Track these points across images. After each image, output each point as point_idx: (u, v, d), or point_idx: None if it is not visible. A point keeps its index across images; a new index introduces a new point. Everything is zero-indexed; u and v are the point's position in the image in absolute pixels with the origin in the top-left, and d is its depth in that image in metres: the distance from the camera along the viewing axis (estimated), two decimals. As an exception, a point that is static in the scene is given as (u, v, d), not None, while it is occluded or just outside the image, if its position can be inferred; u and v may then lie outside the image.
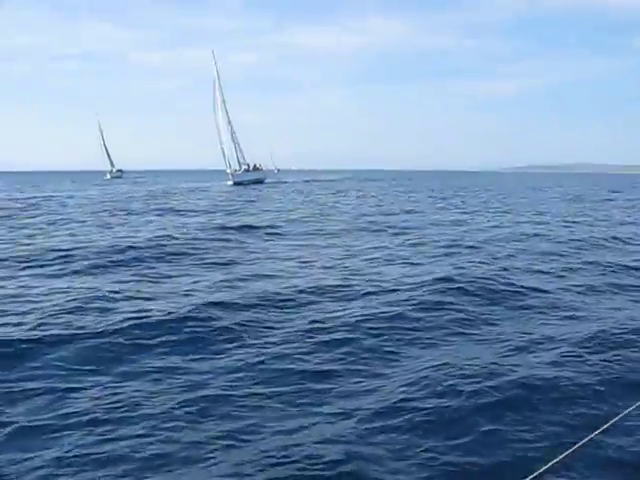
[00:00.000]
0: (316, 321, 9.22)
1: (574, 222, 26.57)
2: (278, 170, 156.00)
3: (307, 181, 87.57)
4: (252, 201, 40.45)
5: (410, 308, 10.00)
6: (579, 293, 11.68)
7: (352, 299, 10.75)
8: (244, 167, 72.85)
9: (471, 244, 18.25)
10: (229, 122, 71.14)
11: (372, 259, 15.49)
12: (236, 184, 66.21)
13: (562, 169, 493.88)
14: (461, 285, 11.66)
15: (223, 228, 22.15)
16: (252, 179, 71.76)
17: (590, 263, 15.05)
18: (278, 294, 10.89)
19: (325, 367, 7.31)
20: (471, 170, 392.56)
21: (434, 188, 64.92)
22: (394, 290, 11.42)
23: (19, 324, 8.79)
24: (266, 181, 76.19)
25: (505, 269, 13.70)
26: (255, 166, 75.21)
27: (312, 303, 10.45)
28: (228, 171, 68.59)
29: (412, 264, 14.78)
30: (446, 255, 16.19)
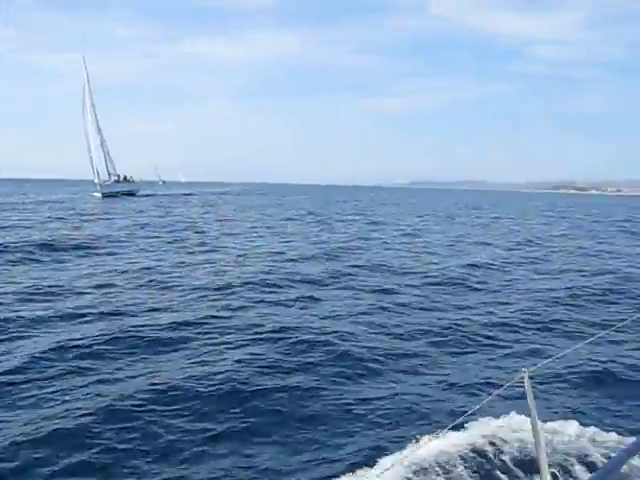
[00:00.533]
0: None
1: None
2: (163, 182, 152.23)
3: (186, 194, 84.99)
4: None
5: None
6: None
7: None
8: (114, 178, 69.88)
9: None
10: (99, 130, 68.12)
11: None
12: (105, 196, 63.25)
13: (446, 186, 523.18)
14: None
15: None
16: (123, 191, 68.89)
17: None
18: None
19: None
20: (363, 185, 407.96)
21: (303, 206, 65.80)
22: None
23: None
24: (139, 193, 73.39)
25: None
26: (125, 177, 72.31)
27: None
28: (96, 181, 65.38)
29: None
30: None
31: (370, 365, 8.61)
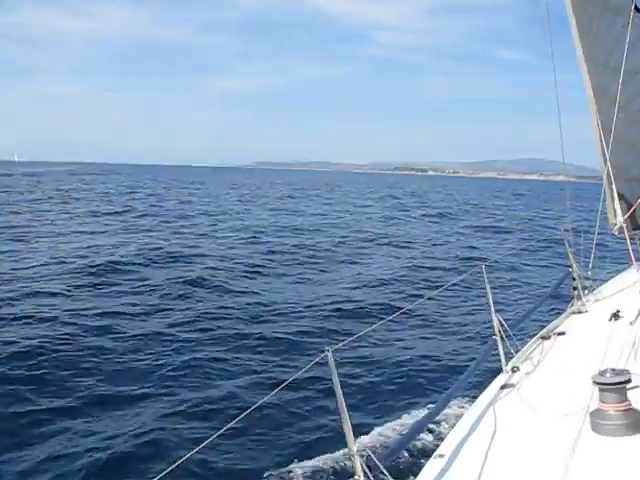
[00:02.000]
0: None
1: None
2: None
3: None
4: None
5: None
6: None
7: None
8: None
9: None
10: None
11: None
12: None
13: (292, 167, 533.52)
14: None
15: None
16: None
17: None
18: None
19: None
20: (211, 166, 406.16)
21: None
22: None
23: None
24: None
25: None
26: None
27: None
28: None
29: None
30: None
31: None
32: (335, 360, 2.29)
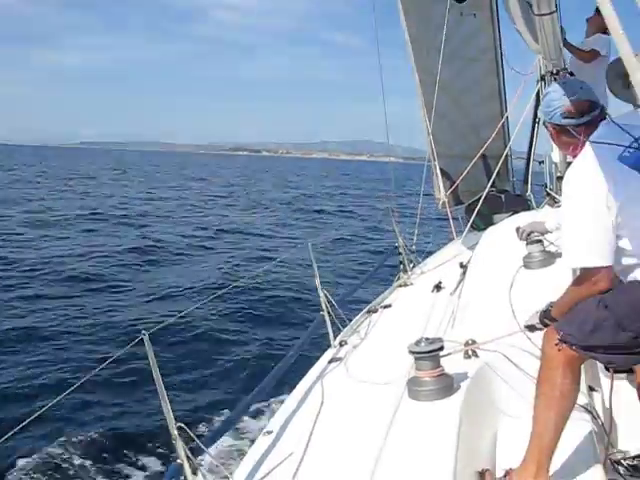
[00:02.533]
0: None
1: None
2: None
3: None
4: None
5: None
6: None
7: None
8: None
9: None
10: None
11: None
12: None
13: (131, 146, 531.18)
14: None
15: None
16: None
17: None
18: None
19: None
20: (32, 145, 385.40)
21: None
22: None
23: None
24: None
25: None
26: None
27: None
28: None
29: None
30: None
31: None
32: (154, 343, 2.19)
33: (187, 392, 6.84)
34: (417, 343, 2.49)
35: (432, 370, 2.45)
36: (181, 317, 7.51)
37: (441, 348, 2.49)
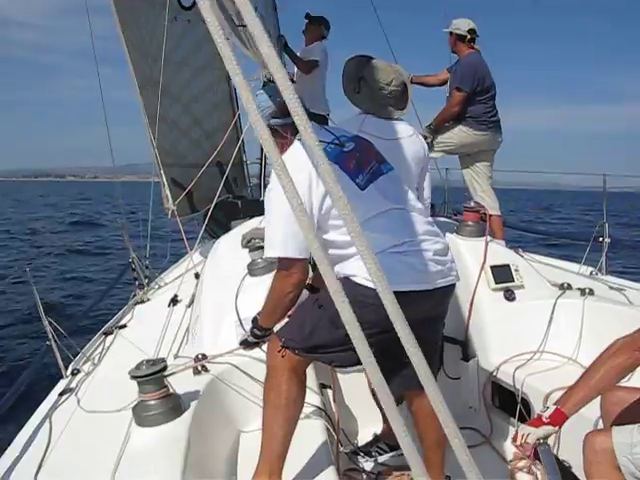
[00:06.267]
0: None
1: None
2: None
3: None
4: None
5: None
6: None
7: None
8: None
9: None
10: None
11: None
12: None
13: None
14: None
15: None
16: None
17: None
18: None
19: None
20: None
21: None
22: None
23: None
24: None
25: None
26: None
27: None
28: None
29: None
30: None
31: None
32: None
33: None
34: (138, 367, 2.33)
35: (154, 393, 2.30)
36: None
37: (164, 368, 2.35)
